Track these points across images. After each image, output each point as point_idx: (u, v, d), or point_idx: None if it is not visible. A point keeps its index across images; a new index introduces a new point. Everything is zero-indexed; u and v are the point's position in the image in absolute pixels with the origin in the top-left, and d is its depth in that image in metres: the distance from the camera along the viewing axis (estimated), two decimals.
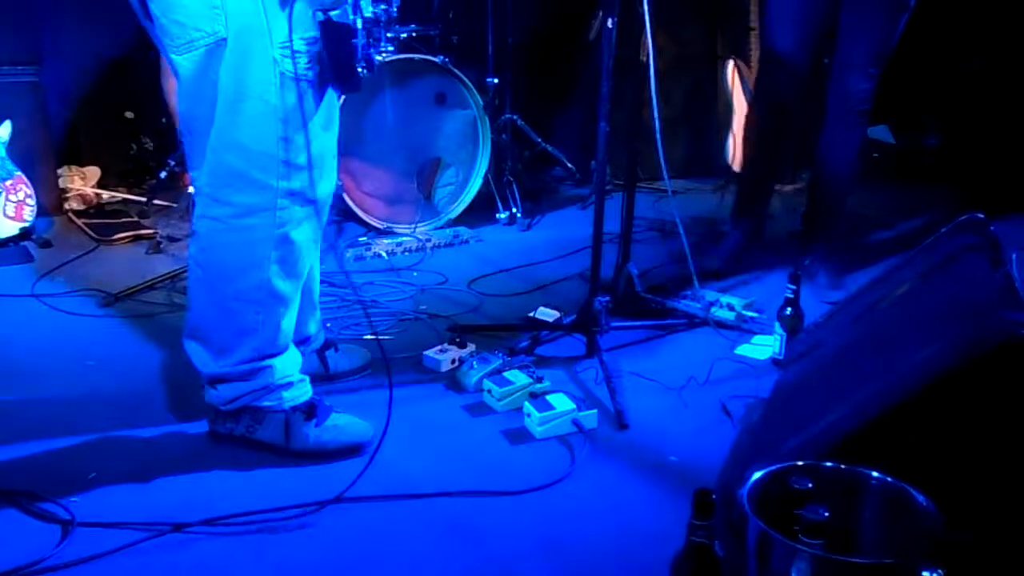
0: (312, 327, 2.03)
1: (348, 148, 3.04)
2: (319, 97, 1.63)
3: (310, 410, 1.79)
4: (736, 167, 4.07)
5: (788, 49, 2.68)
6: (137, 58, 3.63)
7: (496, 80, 3.48)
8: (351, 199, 3.08)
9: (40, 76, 3.35)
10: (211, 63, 1.56)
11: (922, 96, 4.19)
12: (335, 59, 1.56)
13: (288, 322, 1.78)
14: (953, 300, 1.52)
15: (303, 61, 1.56)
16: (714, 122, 4.19)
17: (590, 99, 4.25)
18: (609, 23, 2.13)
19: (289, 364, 1.80)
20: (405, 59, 3.08)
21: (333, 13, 1.53)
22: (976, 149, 4.00)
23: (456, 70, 3.16)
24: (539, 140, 3.91)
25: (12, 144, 3.11)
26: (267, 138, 1.58)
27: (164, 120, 3.69)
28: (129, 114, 3.83)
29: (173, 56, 1.61)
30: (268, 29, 1.52)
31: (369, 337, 2.34)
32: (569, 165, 3.99)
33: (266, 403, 1.77)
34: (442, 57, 3.15)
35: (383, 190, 3.21)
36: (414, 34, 3.32)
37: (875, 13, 2.55)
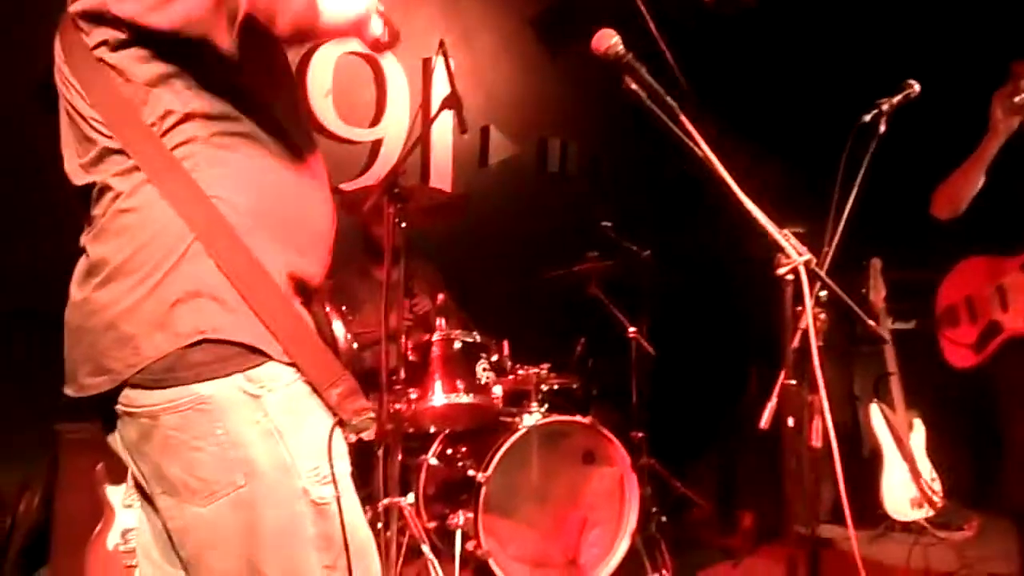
0: None
1: (494, 506, 3.00)
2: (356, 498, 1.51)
3: None
4: (895, 516, 3.81)
5: None
6: None
7: (641, 434, 3.46)
8: (497, 565, 2.96)
9: None
10: (232, 512, 1.42)
11: None
12: None
13: None
14: None
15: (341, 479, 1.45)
16: (861, 465, 4.00)
17: (732, 440, 4.18)
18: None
19: None
20: (554, 421, 3.11)
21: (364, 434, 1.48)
22: None
23: (604, 428, 3.16)
24: (678, 485, 3.81)
25: None
26: (309, 572, 1.43)
27: None
28: None
29: (194, 509, 1.44)
30: (291, 463, 1.42)
31: None
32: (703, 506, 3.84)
33: None
34: (590, 417, 3.17)
35: (527, 553, 3.08)
36: (556, 386, 3.38)
37: None
